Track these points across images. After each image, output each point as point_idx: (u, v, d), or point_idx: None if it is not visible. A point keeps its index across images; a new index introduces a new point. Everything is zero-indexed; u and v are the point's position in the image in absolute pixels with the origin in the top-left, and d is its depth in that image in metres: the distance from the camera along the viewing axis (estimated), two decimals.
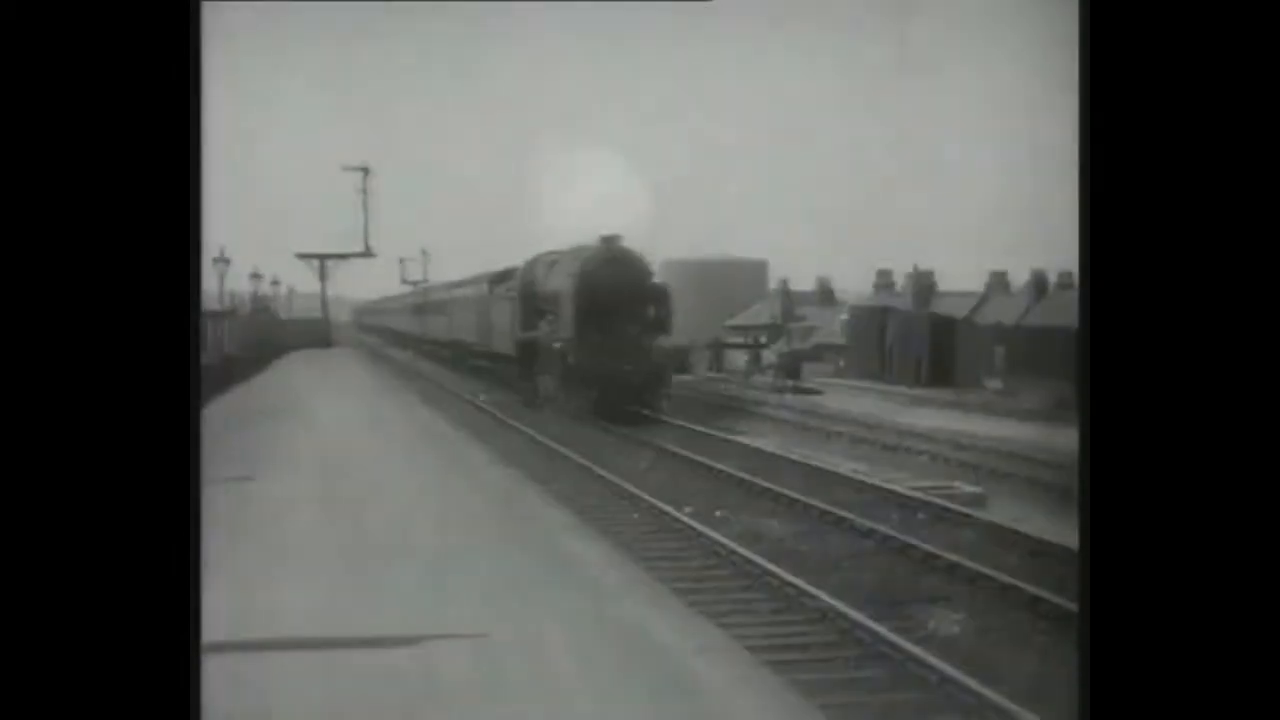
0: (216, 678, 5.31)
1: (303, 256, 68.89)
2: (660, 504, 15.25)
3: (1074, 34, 3.77)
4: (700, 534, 13.50)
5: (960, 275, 65.70)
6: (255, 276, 59.50)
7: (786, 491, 16.20)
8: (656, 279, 30.00)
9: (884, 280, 53.51)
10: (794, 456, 20.21)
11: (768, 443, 22.45)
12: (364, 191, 68.52)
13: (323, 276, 70.02)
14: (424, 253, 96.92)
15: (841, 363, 44.25)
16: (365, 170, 68.90)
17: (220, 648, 6.49)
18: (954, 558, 12.02)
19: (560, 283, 29.29)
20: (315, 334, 66.91)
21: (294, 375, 40.98)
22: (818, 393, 35.26)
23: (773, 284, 58.35)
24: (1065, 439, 13.48)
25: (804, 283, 57.92)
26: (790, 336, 47.26)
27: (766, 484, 16.83)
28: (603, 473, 18.08)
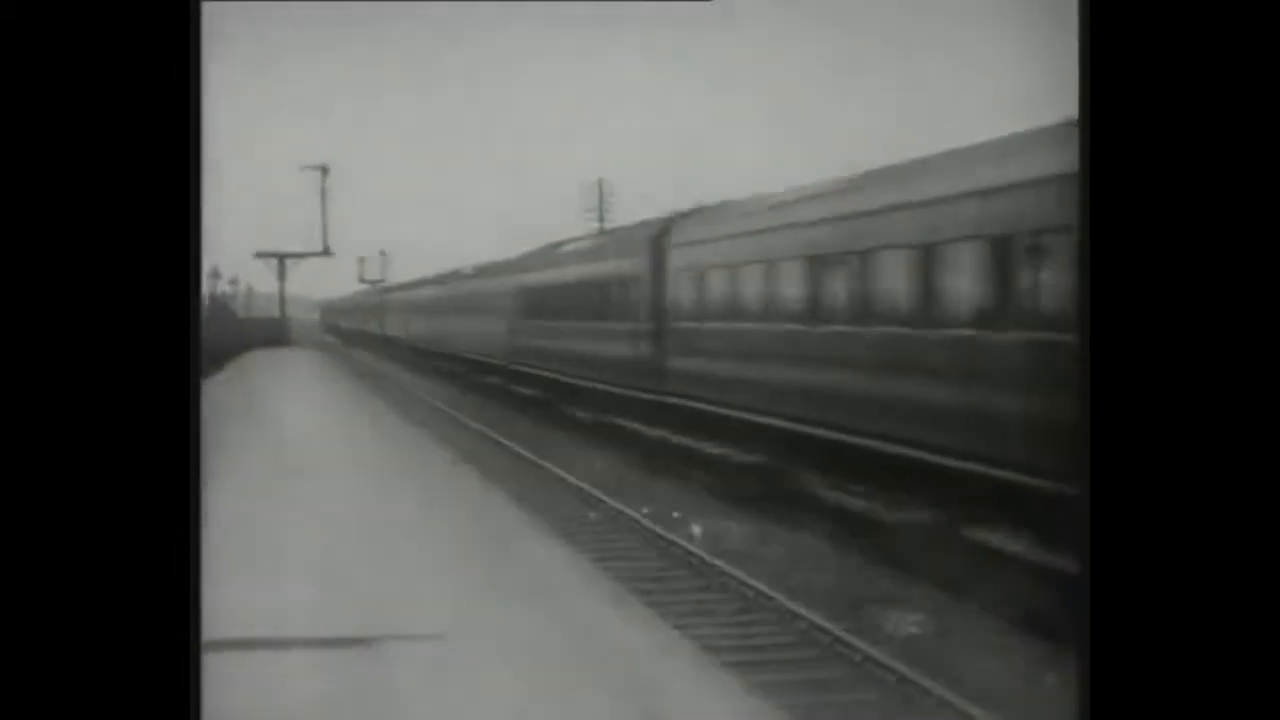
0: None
1: (261, 255, 68.44)
2: None
3: (1073, 34, 3.82)
4: None
5: None
6: (214, 275, 59.01)
7: None
8: None
9: None
10: None
11: None
12: (323, 190, 68.20)
13: (281, 275, 69.62)
14: (382, 253, 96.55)
15: None
16: (324, 169, 68.58)
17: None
18: None
19: None
20: (273, 333, 66.63)
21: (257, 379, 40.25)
22: None
23: None
24: None
25: None
26: None
27: None
28: None
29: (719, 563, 13.88)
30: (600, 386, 25.43)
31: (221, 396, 29.03)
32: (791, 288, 16.67)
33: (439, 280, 50.65)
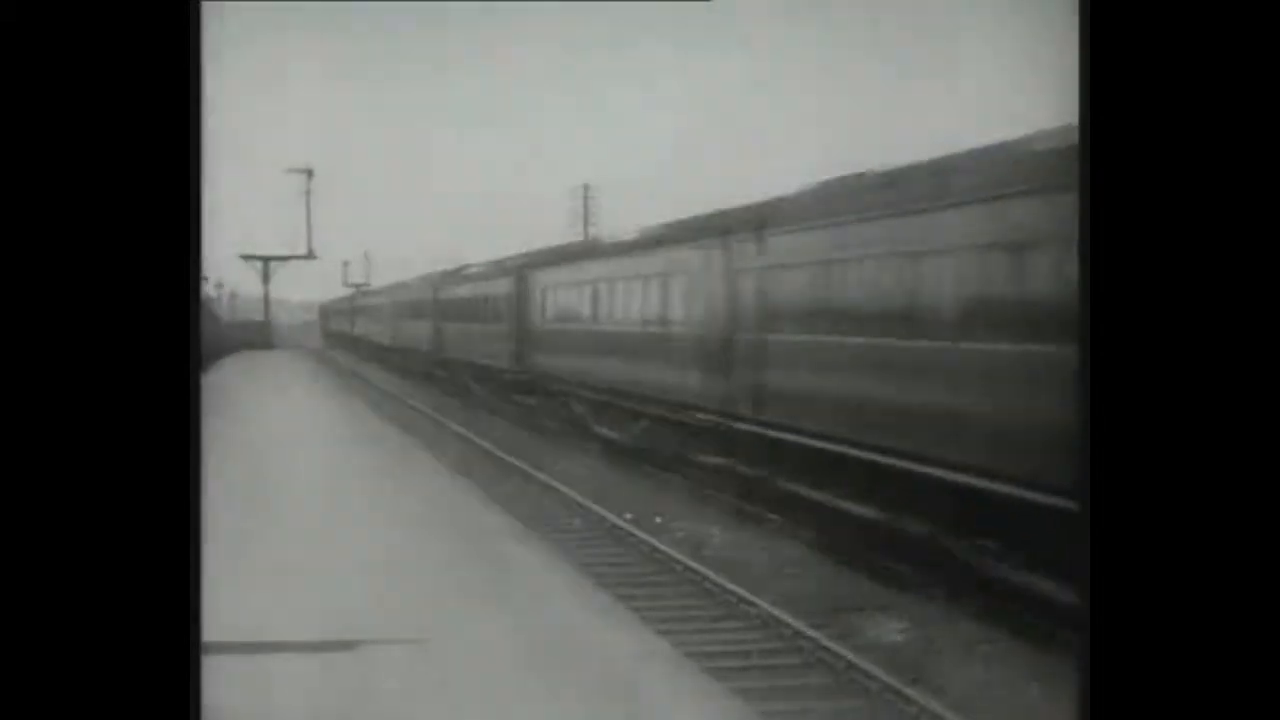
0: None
1: (247, 258, 68.35)
2: None
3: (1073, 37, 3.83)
4: None
5: None
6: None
7: None
8: None
9: None
10: None
11: None
12: (308, 194, 68.11)
13: (266, 279, 69.51)
14: (366, 256, 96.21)
15: None
16: (309, 172, 68.47)
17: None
18: None
19: None
20: (257, 337, 66.51)
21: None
22: None
23: None
24: None
25: None
26: None
27: None
28: None
29: None
30: None
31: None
32: None
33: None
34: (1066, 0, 3.90)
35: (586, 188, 70.41)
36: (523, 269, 31.60)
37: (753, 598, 12.48)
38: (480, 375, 36.52)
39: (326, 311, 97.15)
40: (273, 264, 68.84)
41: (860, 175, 15.64)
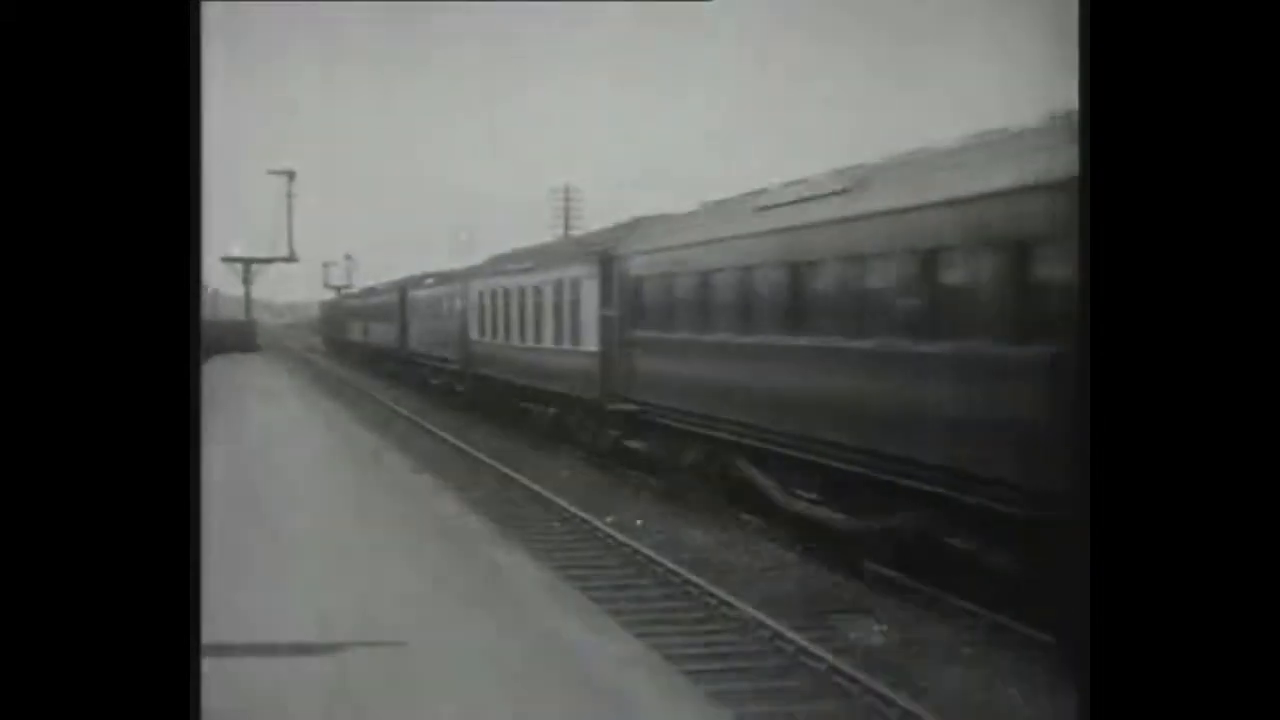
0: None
1: (228, 260, 68.08)
2: None
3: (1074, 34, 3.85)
4: None
5: None
6: None
7: None
8: None
9: None
10: None
11: None
12: (289, 195, 67.88)
13: (247, 281, 69.27)
14: (347, 257, 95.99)
15: None
16: (290, 174, 68.23)
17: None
18: None
19: None
20: (241, 338, 66.22)
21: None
22: None
23: None
24: None
25: None
26: None
27: None
28: None
29: None
30: None
31: None
32: None
33: None
34: (1067, 1, 3.92)
35: (567, 188, 70.62)
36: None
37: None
38: None
39: (334, 312, 72.39)
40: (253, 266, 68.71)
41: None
